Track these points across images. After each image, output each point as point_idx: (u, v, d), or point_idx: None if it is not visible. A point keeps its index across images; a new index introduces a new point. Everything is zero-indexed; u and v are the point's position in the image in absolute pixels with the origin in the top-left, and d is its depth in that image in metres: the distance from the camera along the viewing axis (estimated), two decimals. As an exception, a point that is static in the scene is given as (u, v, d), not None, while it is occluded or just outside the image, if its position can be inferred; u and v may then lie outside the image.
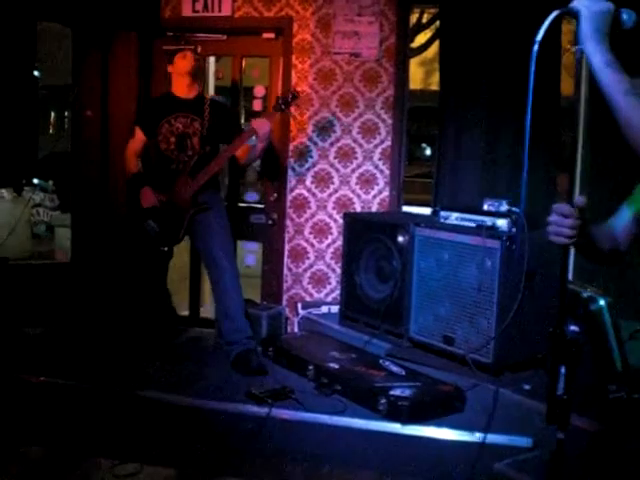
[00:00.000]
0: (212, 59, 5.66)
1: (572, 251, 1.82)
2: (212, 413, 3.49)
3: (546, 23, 1.63)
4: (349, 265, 4.51)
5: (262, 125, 4.08)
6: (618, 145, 1.61)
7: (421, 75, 11.21)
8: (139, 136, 4.36)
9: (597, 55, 1.59)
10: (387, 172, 4.82)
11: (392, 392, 3.36)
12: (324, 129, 4.88)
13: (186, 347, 4.70)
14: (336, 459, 3.20)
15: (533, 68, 1.64)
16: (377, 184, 4.84)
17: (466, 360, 3.73)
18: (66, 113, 11.09)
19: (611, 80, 1.57)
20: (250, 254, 5.31)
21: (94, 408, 3.55)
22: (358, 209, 4.87)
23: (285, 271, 5.02)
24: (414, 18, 8.93)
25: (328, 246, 4.94)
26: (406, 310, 4.12)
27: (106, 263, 4.99)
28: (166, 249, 4.31)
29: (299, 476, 3.17)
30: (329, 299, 4.93)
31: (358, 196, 4.87)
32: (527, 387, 3.55)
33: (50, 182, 9.04)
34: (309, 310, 4.78)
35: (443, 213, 4.09)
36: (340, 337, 4.39)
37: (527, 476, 2.86)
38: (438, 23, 5.94)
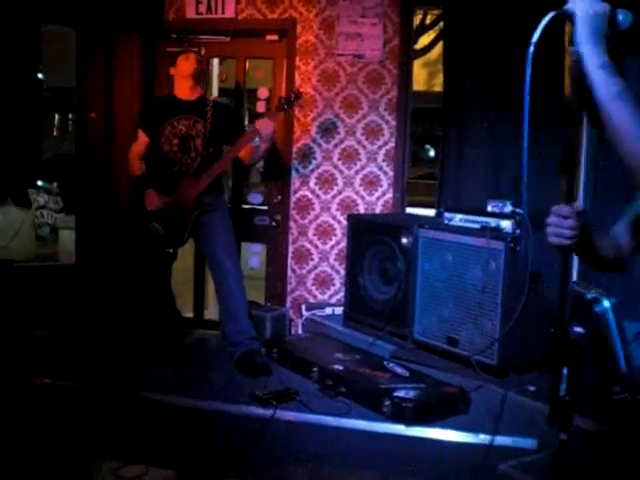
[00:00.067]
0: (216, 61, 5.66)
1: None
2: (216, 415, 3.49)
3: (541, 25, 1.62)
4: (353, 267, 4.51)
5: (265, 125, 4.08)
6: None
7: (425, 76, 11.20)
8: (142, 138, 4.36)
9: (591, 57, 1.58)
10: (391, 173, 4.82)
11: (396, 394, 3.35)
12: (328, 130, 4.88)
13: (190, 349, 4.70)
14: (340, 460, 3.19)
15: (529, 71, 1.63)
16: (381, 185, 4.84)
17: (470, 362, 3.72)
18: (70, 115, 11.10)
19: (602, 83, 1.55)
20: (254, 256, 5.31)
21: (99, 410, 3.55)
22: (362, 211, 4.87)
23: (289, 273, 5.02)
24: (417, 19, 8.91)
25: (332, 248, 4.94)
26: (410, 312, 4.12)
27: (110, 265, 4.99)
28: (171, 251, 4.32)
29: (303, 477, 3.17)
30: (333, 301, 4.93)
31: (362, 197, 4.87)
32: (532, 388, 3.55)
33: (54, 184, 9.04)
34: (313, 312, 4.78)
35: (447, 214, 4.09)
36: (344, 339, 4.39)
37: (531, 478, 2.85)
38: (442, 24, 5.94)
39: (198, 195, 4.17)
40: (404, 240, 4.14)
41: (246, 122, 5.35)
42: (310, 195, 4.94)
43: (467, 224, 3.95)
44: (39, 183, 8.41)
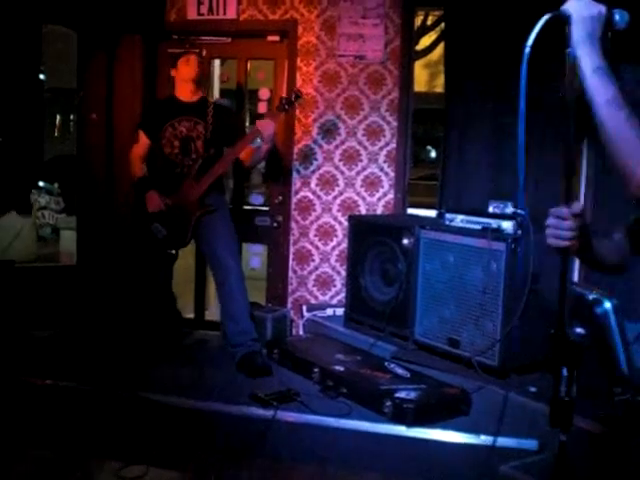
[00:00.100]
0: (217, 62, 5.67)
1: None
2: (217, 415, 3.49)
3: (537, 27, 1.62)
4: (354, 267, 4.51)
5: (266, 126, 4.08)
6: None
7: (426, 77, 11.20)
8: (143, 140, 4.36)
9: (586, 60, 1.57)
10: (392, 174, 4.82)
11: (397, 394, 3.35)
12: (329, 131, 4.88)
13: (191, 350, 4.69)
14: (341, 462, 3.19)
15: (524, 73, 1.63)
16: (382, 186, 4.84)
17: (471, 362, 3.72)
18: (71, 116, 11.11)
19: (596, 86, 1.54)
20: (255, 256, 5.32)
21: (100, 410, 3.55)
22: (363, 212, 4.87)
23: (290, 273, 5.02)
24: (419, 20, 8.92)
25: (333, 249, 4.93)
26: (411, 312, 4.12)
27: (111, 266, 4.99)
28: (173, 252, 4.32)
29: (305, 479, 3.17)
30: (334, 302, 4.92)
31: (363, 198, 4.87)
32: (533, 389, 3.54)
33: (56, 185, 9.05)
34: (314, 312, 4.78)
35: (448, 215, 4.09)
36: (345, 339, 4.39)
37: (533, 479, 2.85)
38: (443, 25, 5.93)
39: (200, 196, 4.17)
40: (405, 241, 4.14)
41: (247, 123, 5.35)
42: (311, 196, 4.94)
43: (468, 225, 3.95)
44: (40, 184, 8.43)
